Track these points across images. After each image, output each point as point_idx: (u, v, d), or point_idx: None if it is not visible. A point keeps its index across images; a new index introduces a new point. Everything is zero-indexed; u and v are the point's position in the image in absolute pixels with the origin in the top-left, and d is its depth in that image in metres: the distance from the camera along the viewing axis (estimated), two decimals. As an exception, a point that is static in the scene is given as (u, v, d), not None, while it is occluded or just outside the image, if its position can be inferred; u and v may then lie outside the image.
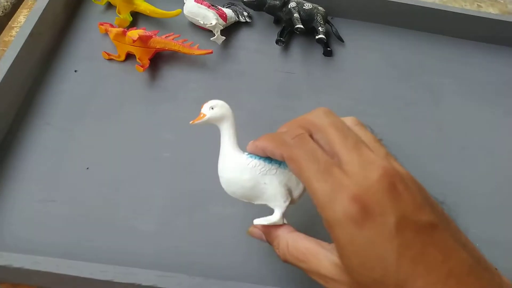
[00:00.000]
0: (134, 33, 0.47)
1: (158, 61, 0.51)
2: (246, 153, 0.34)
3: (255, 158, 0.33)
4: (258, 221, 0.32)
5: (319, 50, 0.55)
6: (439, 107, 0.52)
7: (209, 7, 0.53)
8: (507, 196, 0.46)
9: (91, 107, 0.47)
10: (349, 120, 0.31)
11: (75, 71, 0.49)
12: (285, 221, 0.32)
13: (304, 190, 0.33)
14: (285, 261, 0.31)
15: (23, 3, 0.58)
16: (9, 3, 0.60)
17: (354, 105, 0.51)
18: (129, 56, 0.50)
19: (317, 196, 0.27)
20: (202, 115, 0.34)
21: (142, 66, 0.49)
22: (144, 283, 0.32)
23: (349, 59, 0.55)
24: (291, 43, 0.56)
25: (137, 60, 0.49)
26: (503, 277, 0.27)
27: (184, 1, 0.54)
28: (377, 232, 0.24)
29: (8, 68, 0.43)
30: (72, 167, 0.42)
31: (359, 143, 0.28)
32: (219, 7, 0.54)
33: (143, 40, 0.48)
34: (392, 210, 0.24)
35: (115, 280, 0.32)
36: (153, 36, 0.48)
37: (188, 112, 0.48)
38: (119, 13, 0.54)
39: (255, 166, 0.32)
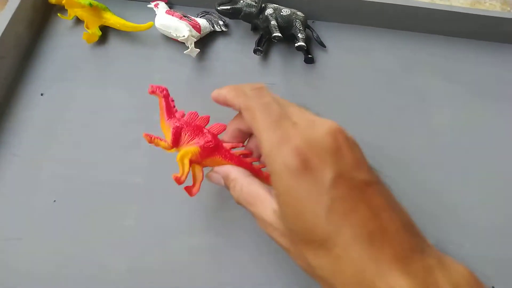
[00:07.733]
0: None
1: (130, 78, 0.48)
2: None
3: None
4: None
5: (300, 57, 0.52)
6: (429, 110, 0.49)
7: (181, 18, 0.50)
8: (505, 205, 0.43)
9: (58, 133, 0.44)
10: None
11: (42, 94, 0.47)
12: None
13: None
14: (238, 203, 0.32)
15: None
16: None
17: (339, 113, 0.47)
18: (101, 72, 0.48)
19: (263, 145, 0.28)
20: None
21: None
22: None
23: (332, 65, 0.52)
24: (270, 51, 0.53)
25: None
26: (433, 247, 0.27)
27: (156, 13, 0.51)
28: (313, 185, 0.25)
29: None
30: (38, 200, 0.40)
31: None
32: (192, 17, 0.51)
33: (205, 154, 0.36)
34: (332, 166, 0.26)
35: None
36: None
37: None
38: (87, 27, 0.51)
39: None
